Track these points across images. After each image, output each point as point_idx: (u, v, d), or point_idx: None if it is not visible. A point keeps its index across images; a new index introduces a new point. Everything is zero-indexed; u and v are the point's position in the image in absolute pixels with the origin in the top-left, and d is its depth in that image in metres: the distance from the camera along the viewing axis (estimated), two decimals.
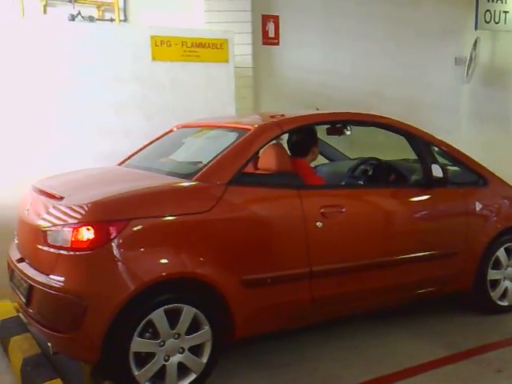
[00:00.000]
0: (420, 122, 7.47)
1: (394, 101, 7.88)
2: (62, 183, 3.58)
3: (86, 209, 2.94)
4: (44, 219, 3.13)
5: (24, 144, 4.93)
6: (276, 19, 7.21)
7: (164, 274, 2.97)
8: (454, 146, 4.21)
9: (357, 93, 7.62)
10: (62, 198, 3.18)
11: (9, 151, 4.83)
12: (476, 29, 8.09)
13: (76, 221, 2.92)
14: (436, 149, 4.03)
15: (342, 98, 7.38)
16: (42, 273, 3.02)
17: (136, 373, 2.91)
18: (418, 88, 8.16)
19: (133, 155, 4.22)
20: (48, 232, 3.02)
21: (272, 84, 7.24)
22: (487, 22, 8.08)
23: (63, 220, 2.99)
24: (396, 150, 4.54)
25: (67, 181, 3.65)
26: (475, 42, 8.33)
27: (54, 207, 3.12)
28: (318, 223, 3.37)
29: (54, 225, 3.03)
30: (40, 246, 3.06)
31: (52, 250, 2.98)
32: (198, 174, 3.25)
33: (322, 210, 3.41)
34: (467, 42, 8.45)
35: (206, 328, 3.07)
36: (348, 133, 4.34)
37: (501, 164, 8.36)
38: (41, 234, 3.06)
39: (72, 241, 2.87)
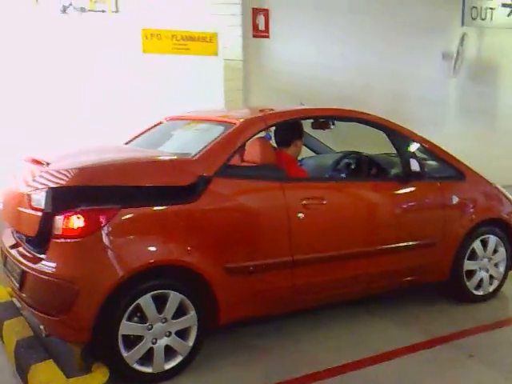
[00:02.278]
0: (408, 115, 7.71)
1: (382, 94, 8.01)
2: (52, 154, 3.69)
3: (71, 173, 3.09)
4: (29, 185, 3.29)
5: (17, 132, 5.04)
6: (266, 12, 7.29)
7: (152, 261, 3.11)
8: (435, 140, 4.35)
9: (346, 86, 7.73)
10: (48, 164, 3.34)
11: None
12: (462, 25, 8.23)
13: (59, 185, 3.07)
14: (416, 144, 4.17)
15: (332, 91, 7.49)
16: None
17: (125, 354, 3.05)
18: (406, 82, 8.29)
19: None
20: (32, 195, 3.16)
21: (262, 77, 7.33)
22: (473, 19, 8.22)
23: (46, 184, 3.15)
24: (381, 145, 4.67)
25: (59, 152, 3.78)
26: (462, 37, 8.48)
27: (40, 172, 3.28)
28: (299, 214, 3.52)
29: (36, 188, 3.18)
30: (23, 209, 3.22)
31: (34, 212, 3.13)
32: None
33: (304, 202, 3.55)
34: (454, 37, 8.59)
35: (192, 313, 3.22)
36: (332, 127, 4.52)
37: (486, 157, 8.59)
38: (25, 198, 3.20)
39: (63, 228, 3.00)
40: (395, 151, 4.14)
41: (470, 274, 4.30)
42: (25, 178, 3.43)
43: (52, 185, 3.12)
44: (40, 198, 3.12)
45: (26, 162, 3.58)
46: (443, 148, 4.30)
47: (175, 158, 3.49)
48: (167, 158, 3.54)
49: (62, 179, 3.10)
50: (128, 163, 3.36)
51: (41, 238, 3.12)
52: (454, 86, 8.92)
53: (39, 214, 3.10)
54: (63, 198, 3.05)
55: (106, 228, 3.01)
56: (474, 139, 8.96)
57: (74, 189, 3.08)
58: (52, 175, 3.20)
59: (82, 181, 3.11)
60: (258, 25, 7.24)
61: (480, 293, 4.36)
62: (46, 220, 3.06)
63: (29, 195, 3.22)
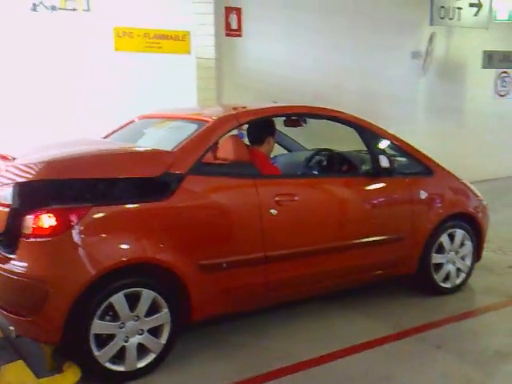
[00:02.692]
0: (378, 113, 7.82)
1: (353, 93, 8.12)
2: (20, 149, 3.67)
3: (38, 167, 3.07)
4: None
5: None
6: (239, 11, 7.31)
7: (124, 259, 3.11)
8: (405, 138, 4.44)
9: (318, 85, 7.81)
10: (14, 159, 3.32)
11: None
12: (431, 24, 8.37)
13: (26, 179, 3.06)
14: (386, 141, 4.25)
15: (304, 89, 7.55)
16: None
17: (96, 353, 3.04)
18: (376, 81, 8.41)
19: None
20: None
21: (235, 75, 7.35)
22: (442, 18, 8.37)
23: (11, 179, 3.13)
24: (352, 142, 4.74)
25: (26, 147, 3.74)
26: (431, 36, 8.64)
27: (6, 167, 3.26)
28: (272, 211, 3.56)
29: (3, 184, 3.16)
30: None
31: (2, 208, 3.11)
32: None
33: (277, 199, 3.60)
34: (423, 36, 8.74)
35: (165, 310, 3.23)
36: (304, 125, 4.57)
37: (454, 154, 8.77)
38: None
39: (33, 228, 2.98)
40: (366, 148, 4.21)
41: (438, 267, 4.40)
42: None
43: (18, 180, 3.09)
44: (6, 194, 3.09)
45: None
46: (412, 145, 4.39)
47: (148, 149, 3.52)
48: (140, 149, 3.58)
49: (29, 173, 3.08)
50: (98, 155, 3.36)
51: (10, 237, 3.10)
52: (423, 85, 9.08)
53: (6, 210, 3.07)
54: (31, 193, 3.04)
55: (77, 227, 3.00)
56: (443, 136, 9.15)
57: (41, 183, 3.06)
58: (19, 170, 3.17)
59: (49, 174, 3.09)
60: (230, 23, 7.26)
61: (447, 285, 4.47)
62: (15, 217, 3.04)
63: None
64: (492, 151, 9.80)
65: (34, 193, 3.04)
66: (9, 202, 3.07)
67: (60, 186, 3.08)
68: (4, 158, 3.41)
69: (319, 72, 7.87)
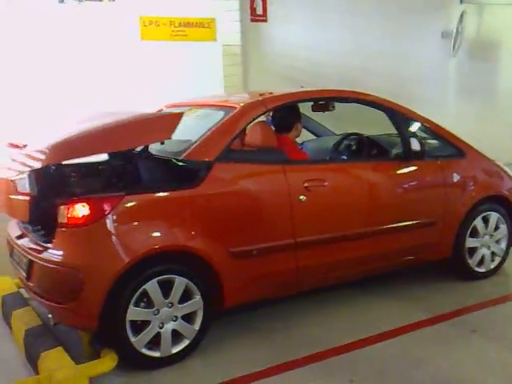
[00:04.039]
0: (407, 95, 7.66)
1: (381, 75, 7.99)
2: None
3: (46, 152, 3.04)
4: (11, 169, 3.33)
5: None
6: None
7: (157, 247, 3.16)
8: (435, 120, 4.36)
9: (344, 68, 7.72)
10: (24, 146, 3.38)
11: None
12: (461, 2, 8.17)
13: (38, 164, 3.08)
14: (416, 123, 4.18)
15: (331, 73, 7.48)
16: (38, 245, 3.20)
17: (133, 339, 3.10)
18: (404, 62, 8.26)
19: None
20: (16, 181, 3.20)
21: (260, 61, 7.32)
22: None
23: (25, 166, 3.19)
24: (381, 125, 4.68)
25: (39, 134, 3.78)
26: (461, 15, 8.43)
27: (19, 155, 3.32)
28: (301, 197, 3.55)
29: (20, 172, 3.22)
30: (13, 196, 3.24)
31: (22, 197, 3.20)
32: (188, 151, 3.41)
33: (306, 185, 3.58)
34: (453, 15, 8.54)
35: (198, 297, 3.27)
36: (332, 109, 4.53)
37: (487, 135, 8.58)
38: (11, 184, 3.23)
39: (68, 217, 3.04)
40: (395, 131, 4.15)
41: (472, 251, 4.32)
42: (6, 164, 3.45)
43: (29, 167, 3.14)
44: (25, 183, 3.15)
45: (6, 147, 3.61)
46: (443, 127, 4.30)
47: (159, 113, 3.50)
48: (149, 115, 3.51)
49: (39, 159, 3.07)
50: (107, 128, 3.30)
51: (46, 227, 3.17)
52: (453, 65, 8.88)
53: (27, 198, 3.14)
54: (46, 178, 3.08)
55: (110, 215, 3.04)
56: (475, 117, 8.95)
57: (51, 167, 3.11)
58: (29, 157, 3.20)
59: (56, 158, 3.11)
60: (255, 9, 7.21)
61: (482, 270, 4.40)
62: (39, 206, 3.11)
63: (13, 181, 3.24)
64: None
65: (48, 177, 3.09)
66: (28, 190, 3.13)
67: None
68: (15, 146, 3.45)
69: (346, 55, 7.77)
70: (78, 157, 3.20)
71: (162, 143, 3.44)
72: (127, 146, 3.33)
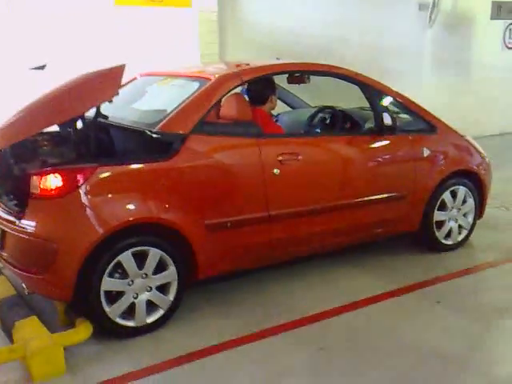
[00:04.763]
0: (383, 67, 7.73)
1: (358, 46, 8.00)
2: None
3: None
4: None
5: None
6: None
7: (131, 219, 3.18)
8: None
9: (323, 39, 7.69)
10: None
11: None
12: None
13: None
14: (389, 98, 4.22)
15: (308, 43, 7.44)
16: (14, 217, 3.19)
17: (107, 309, 3.15)
18: (382, 34, 8.26)
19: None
20: None
21: (238, 28, 7.22)
22: None
23: None
24: (359, 98, 4.72)
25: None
26: None
27: None
28: (275, 170, 3.59)
29: None
30: None
31: None
32: (162, 123, 3.40)
33: (280, 158, 3.62)
34: None
35: (172, 268, 3.31)
36: (307, 82, 4.54)
37: (461, 107, 8.71)
38: None
39: (41, 188, 3.03)
40: (369, 105, 4.19)
41: (440, 224, 4.44)
42: None
43: None
44: None
45: None
46: (415, 102, 4.36)
47: (98, 72, 3.41)
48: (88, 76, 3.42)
49: None
50: (46, 101, 3.32)
51: (19, 197, 3.16)
52: (429, 37, 8.91)
53: None
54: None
55: (83, 186, 3.05)
56: (450, 90, 9.06)
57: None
58: None
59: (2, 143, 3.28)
60: None
61: (449, 242, 4.53)
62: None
63: None
64: (500, 105, 9.70)
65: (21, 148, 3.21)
66: None
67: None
68: None
69: (324, 25, 7.73)
70: (24, 137, 3.20)
71: (111, 102, 3.38)
72: (73, 113, 3.26)
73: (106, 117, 3.51)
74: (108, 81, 3.30)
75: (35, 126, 3.19)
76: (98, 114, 3.48)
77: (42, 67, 3.43)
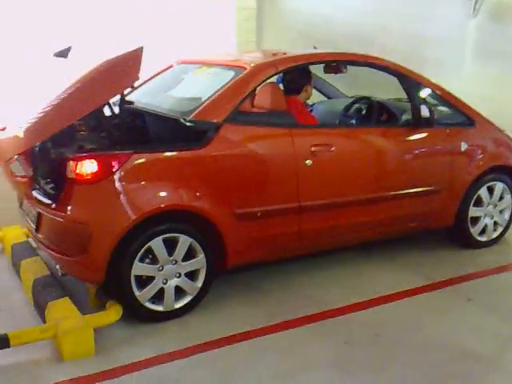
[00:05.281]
0: (426, 56, 7.55)
1: (398, 35, 7.79)
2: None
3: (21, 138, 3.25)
4: None
5: None
6: None
7: (162, 205, 3.22)
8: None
9: (362, 27, 7.52)
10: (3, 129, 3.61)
11: None
12: None
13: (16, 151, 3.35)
14: (427, 90, 4.13)
15: (348, 32, 7.31)
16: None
17: (137, 293, 3.22)
18: (423, 23, 8.02)
19: (133, 90, 4.35)
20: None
21: (275, 16, 7.15)
22: None
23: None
24: (397, 89, 4.64)
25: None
26: None
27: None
28: (307, 161, 3.57)
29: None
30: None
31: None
32: (196, 112, 3.42)
33: (312, 149, 3.60)
34: None
35: (201, 256, 3.35)
36: (344, 71, 4.48)
37: (504, 101, 8.44)
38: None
39: (76, 173, 3.09)
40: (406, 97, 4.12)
41: (475, 220, 4.35)
42: None
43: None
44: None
45: None
46: (454, 94, 4.26)
47: (116, 58, 3.42)
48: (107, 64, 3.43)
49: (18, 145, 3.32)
50: (70, 95, 3.33)
51: (55, 181, 3.24)
52: (473, 27, 8.63)
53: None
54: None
55: (118, 173, 3.10)
56: (492, 82, 8.76)
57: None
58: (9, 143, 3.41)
59: (32, 142, 3.28)
60: None
61: (483, 239, 4.44)
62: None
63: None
64: None
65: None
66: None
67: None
68: None
69: (364, 12, 7.55)
70: (53, 133, 3.19)
71: (133, 87, 3.39)
72: (99, 102, 3.29)
73: (131, 102, 3.60)
74: (128, 66, 3.32)
75: (64, 120, 3.21)
76: (123, 100, 3.53)
77: (65, 53, 3.44)
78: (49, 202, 3.27)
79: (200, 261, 3.36)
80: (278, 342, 3.12)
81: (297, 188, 3.59)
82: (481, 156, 4.27)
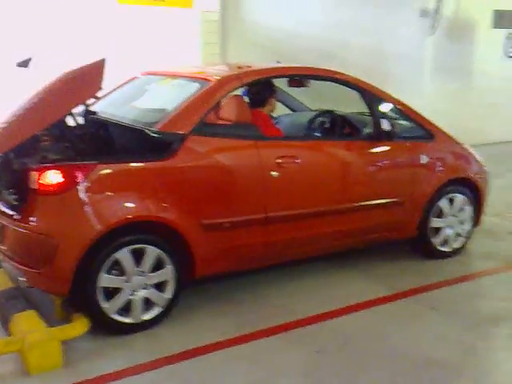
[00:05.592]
0: (384, 72, 7.77)
1: (359, 51, 8.02)
2: None
3: None
4: None
5: None
6: None
7: (129, 217, 3.20)
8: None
9: (324, 42, 7.71)
10: None
11: None
12: None
13: None
14: (388, 104, 4.25)
15: (310, 46, 7.46)
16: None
17: (104, 305, 3.17)
18: (383, 39, 8.27)
19: (97, 101, 4.30)
20: None
21: (239, 29, 7.23)
22: None
23: None
24: (359, 103, 4.75)
25: None
26: None
27: None
28: (273, 173, 3.61)
29: None
30: None
31: None
32: (162, 123, 3.42)
33: (278, 161, 3.64)
34: None
35: (169, 267, 3.34)
36: (308, 85, 4.57)
37: (461, 115, 8.74)
38: None
39: (40, 183, 3.05)
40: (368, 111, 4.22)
41: (437, 231, 4.46)
42: None
43: None
44: None
45: None
46: (414, 109, 4.39)
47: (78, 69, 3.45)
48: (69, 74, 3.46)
49: None
50: (32, 106, 3.33)
51: (19, 192, 3.17)
52: (431, 44, 8.94)
53: None
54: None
55: (83, 183, 3.07)
56: (450, 98, 9.07)
57: None
58: None
59: None
60: None
61: (446, 249, 4.54)
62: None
63: None
64: (500, 113, 9.71)
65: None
66: None
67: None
68: None
69: (326, 29, 7.75)
70: (16, 143, 3.17)
71: (97, 98, 3.42)
72: (61, 113, 3.29)
73: (94, 113, 3.62)
74: (91, 77, 3.31)
75: (27, 131, 3.19)
76: (87, 110, 3.52)
77: (26, 63, 3.40)
78: (12, 213, 3.21)
79: (168, 272, 3.34)
80: (248, 352, 3.13)
81: (263, 199, 3.62)
82: (441, 168, 4.40)
